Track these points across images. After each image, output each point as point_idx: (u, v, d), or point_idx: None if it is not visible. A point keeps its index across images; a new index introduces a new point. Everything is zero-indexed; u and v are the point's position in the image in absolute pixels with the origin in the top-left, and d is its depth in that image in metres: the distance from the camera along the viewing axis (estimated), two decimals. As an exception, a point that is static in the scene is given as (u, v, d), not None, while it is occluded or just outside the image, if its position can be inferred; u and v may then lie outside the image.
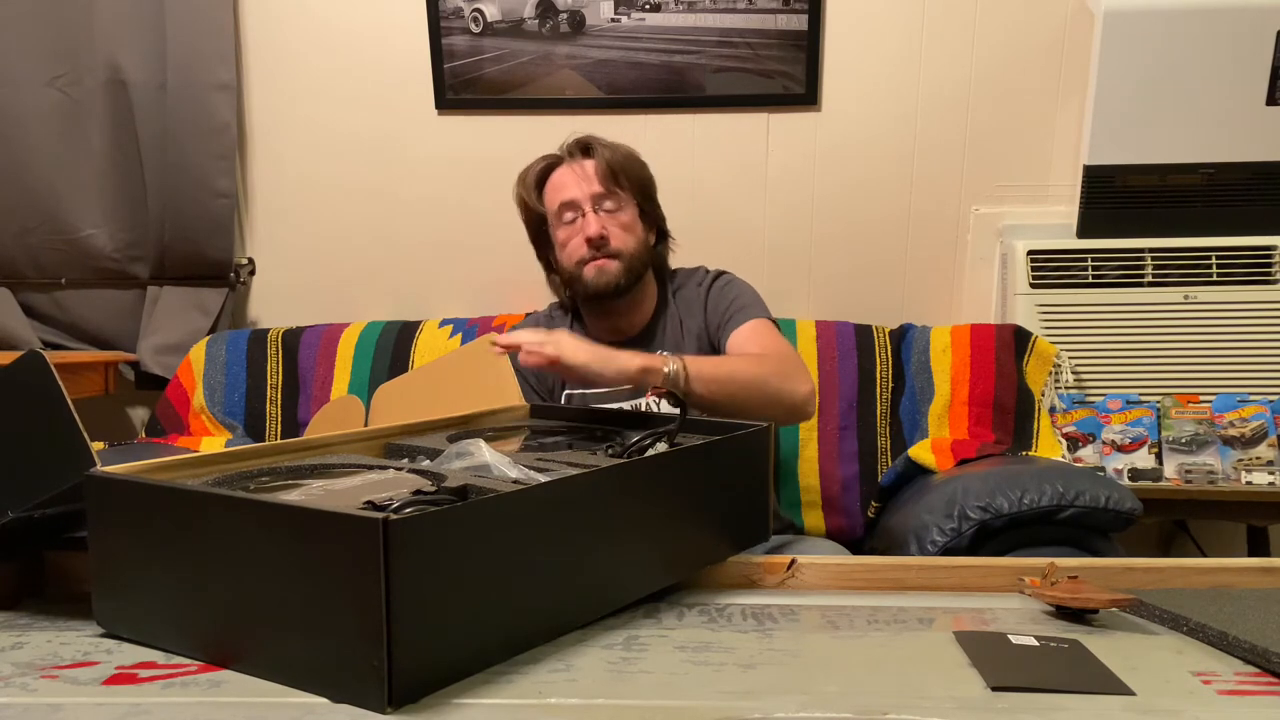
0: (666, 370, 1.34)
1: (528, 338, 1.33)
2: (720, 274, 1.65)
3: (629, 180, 1.57)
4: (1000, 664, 0.69)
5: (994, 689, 0.65)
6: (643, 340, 1.60)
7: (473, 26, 2.21)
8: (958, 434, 1.91)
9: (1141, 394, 2.03)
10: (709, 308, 1.60)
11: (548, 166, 1.61)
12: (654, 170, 2.25)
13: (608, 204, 1.55)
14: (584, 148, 1.58)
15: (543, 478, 0.77)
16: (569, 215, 1.56)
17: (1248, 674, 0.69)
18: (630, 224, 1.57)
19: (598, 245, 1.52)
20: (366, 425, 1.39)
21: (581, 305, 1.65)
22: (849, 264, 2.27)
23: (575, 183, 1.56)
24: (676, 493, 0.85)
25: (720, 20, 2.18)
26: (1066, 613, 0.81)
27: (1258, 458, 1.95)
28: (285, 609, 0.63)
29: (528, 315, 1.80)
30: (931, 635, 0.77)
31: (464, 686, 0.64)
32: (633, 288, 1.57)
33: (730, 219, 2.24)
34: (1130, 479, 1.96)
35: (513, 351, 1.35)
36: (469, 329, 2.09)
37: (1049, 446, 1.90)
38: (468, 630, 0.65)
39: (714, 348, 1.58)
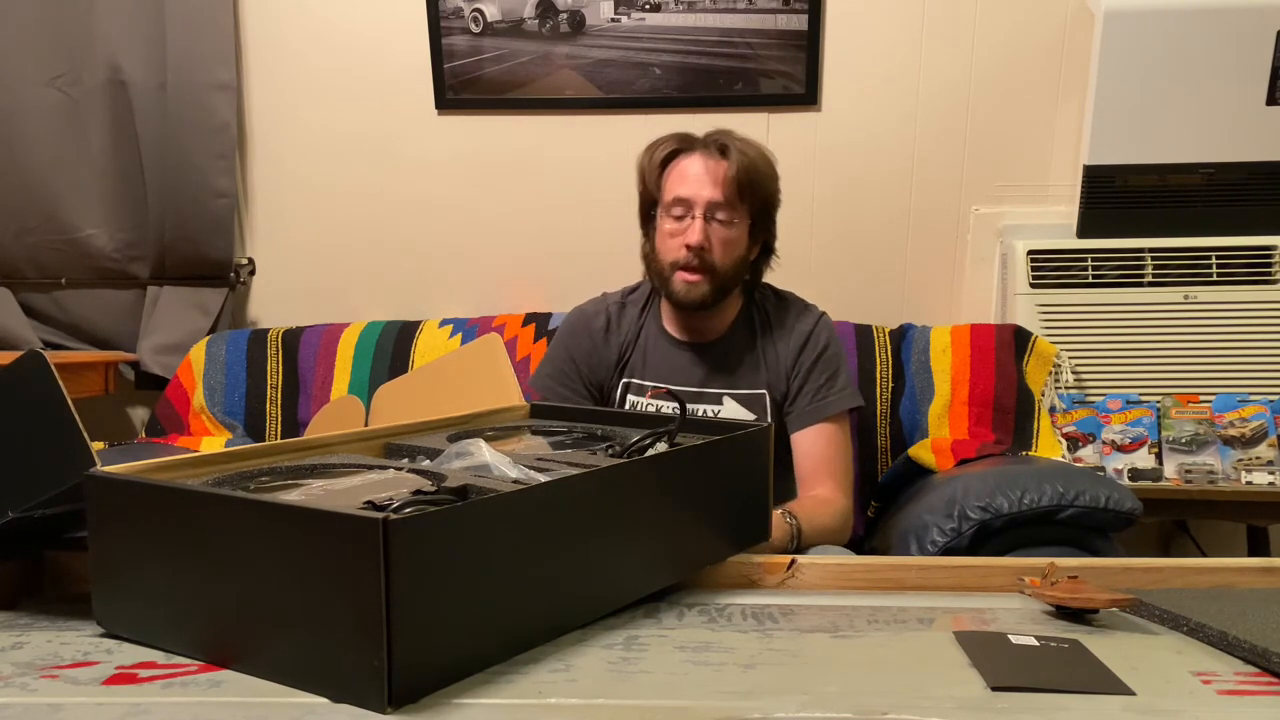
0: (789, 524, 1.36)
1: None
2: (828, 336, 1.58)
3: (753, 195, 1.50)
4: (1000, 664, 0.69)
5: (994, 689, 0.65)
6: (715, 349, 1.57)
7: (473, 26, 2.21)
8: (958, 434, 1.91)
9: (1141, 394, 2.03)
10: (804, 365, 1.55)
11: (679, 150, 1.53)
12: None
13: (720, 214, 1.48)
14: (721, 146, 1.49)
15: (543, 478, 0.77)
16: (678, 211, 1.50)
17: (1248, 674, 0.69)
18: (735, 240, 1.50)
19: (695, 255, 1.48)
20: (366, 425, 1.39)
21: (664, 299, 1.60)
22: (849, 264, 2.27)
23: (698, 181, 1.48)
24: (676, 493, 0.85)
25: (720, 20, 2.18)
26: (1066, 613, 0.81)
27: (1258, 458, 1.95)
28: (285, 609, 0.63)
29: (590, 301, 1.68)
30: (931, 635, 0.77)
31: (464, 686, 0.64)
32: (717, 304, 1.54)
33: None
34: (1130, 479, 1.96)
35: None
36: (469, 329, 2.09)
37: (1049, 446, 1.90)
38: (468, 630, 0.65)
39: (784, 395, 1.55)
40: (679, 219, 1.50)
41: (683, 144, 1.54)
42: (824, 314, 1.62)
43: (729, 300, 1.57)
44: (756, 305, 1.61)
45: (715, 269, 1.49)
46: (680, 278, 1.50)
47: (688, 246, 1.47)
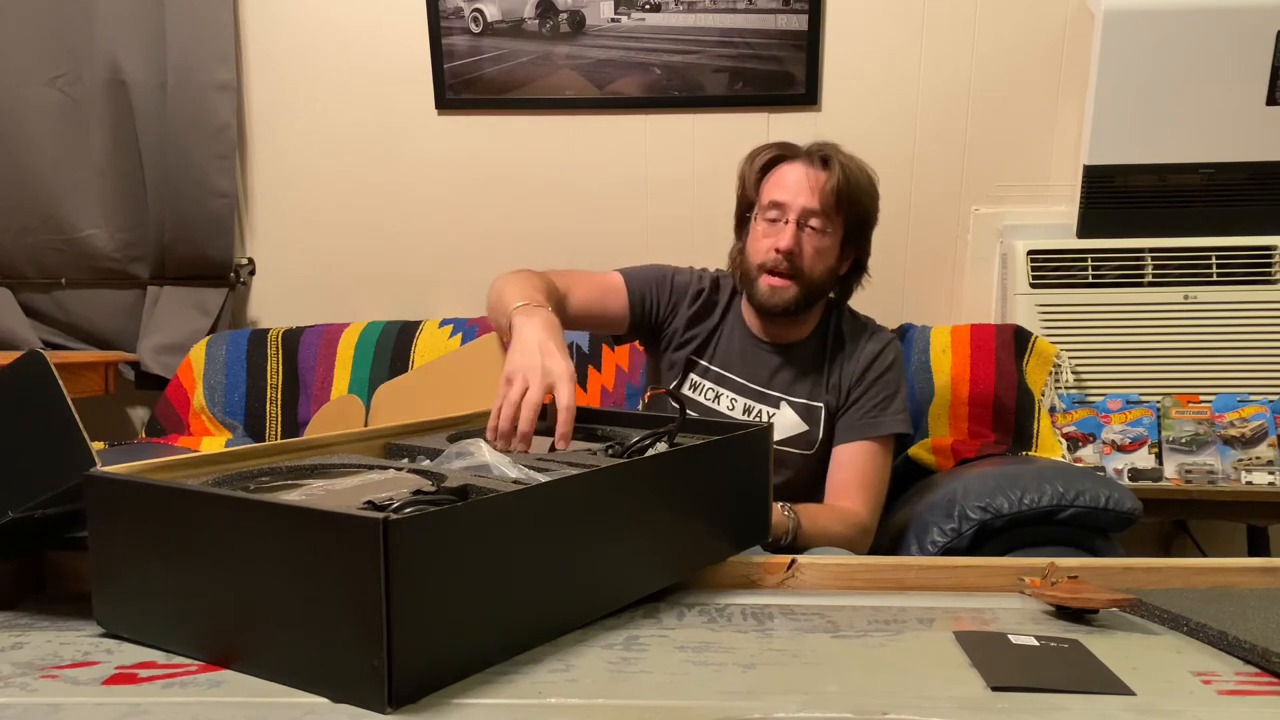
0: (786, 517, 1.36)
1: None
2: (895, 359, 1.58)
3: (849, 208, 1.51)
4: (1000, 664, 0.69)
5: (994, 689, 0.65)
6: (786, 354, 1.57)
7: (473, 26, 2.21)
8: (958, 434, 1.91)
9: (1141, 394, 2.03)
10: (865, 381, 1.55)
11: (780, 156, 1.55)
12: (653, 170, 2.28)
13: (814, 222, 1.49)
14: (824, 158, 1.50)
15: (543, 478, 0.77)
16: (773, 214, 1.50)
17: (1248, 674, 0.69)
18: (826, 250, 1.51)
19: (785, 258, 1.48)
20: (366, 425, 1.39)
21: (746, 298, 1.60)
22: (849, 264, 2.27)
23: (796, 187, 1.49)
24: (676, 493, 0.85)
25: (720, 20, 2.18)
26: (1066, 613, 0.81)
27: (1258, 458, 1.95)
28: (285, 609, 0.63)
29: (694, 268, 1.67)
30: (931, 635, 0.77)
31: (464, 686, 0.64)
32: (802, 312, 1.54)
33: (731, 219, 2.24)
34: (1130, 479, 1.96)
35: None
36: (469, 329, 2.09)
37: (1049, 446, 1.90)
38: (468, 630, 0.65)
39: (835, 405, 1.55)
40: (773, 222, 1.50)
41: (785, 151, 1.55)
42: (895, 338, 1.63)
43: (811, 311, 1.57)
44: (834, 322, 1.61)
45: (803, 274, 1.49)
46: (766, 281, 1.50)
47: (778, 249, 1.48)
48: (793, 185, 1.50)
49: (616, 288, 1.58)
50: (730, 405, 1.56)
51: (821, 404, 1.55)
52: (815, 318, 1.59)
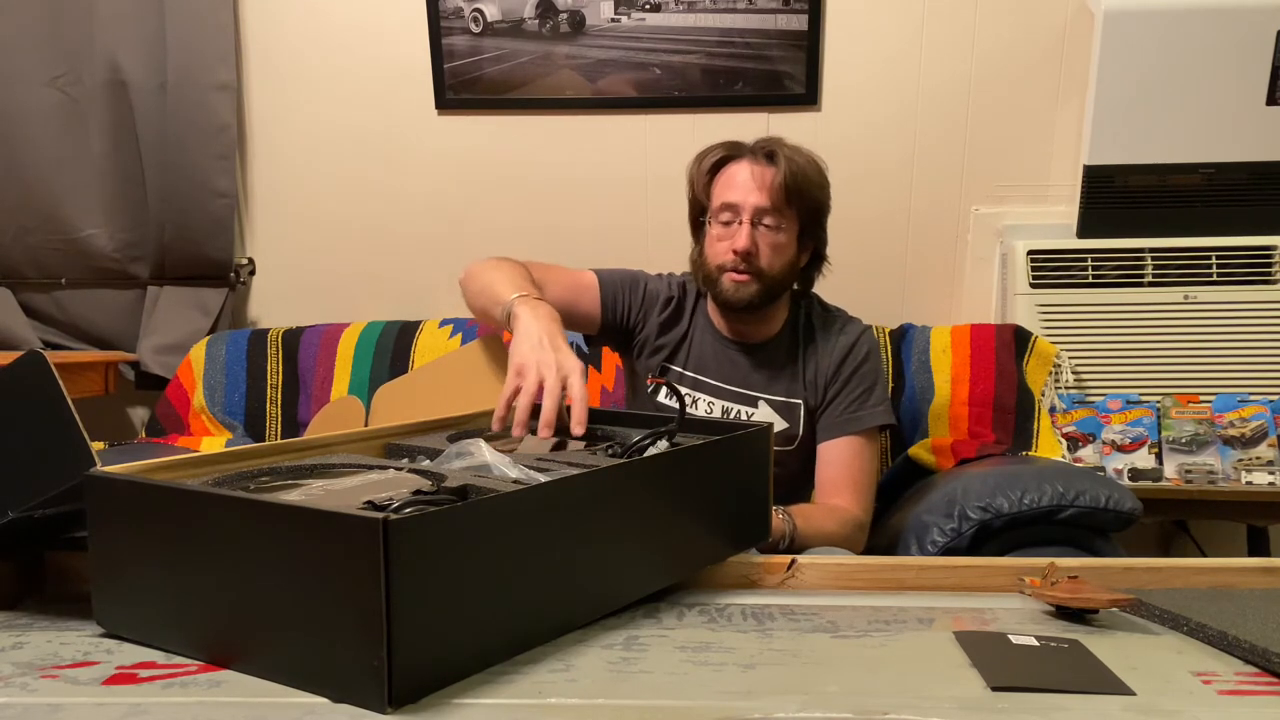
0: (782, 520, 1.35)
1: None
2: (870, 350, 1.57)
3: (801, 201, 1.50)
4: (1000, 664, 0.69)
5: (994, 689, 0.65)
6: (759, 352, 1.57)
7: (473, 26, 2.21)
8: (958, 434, 1.91)
9: (1141, 394, 2.03)
10: (842, 376, 1.55)
11: (727, 157, 1.54)
12: (653, 171, 2.28)
13: (768, 220, 1.48)
14: (769, 153, 1.49)
15: (543, 478, 0.77)
16: (726, 216, 1.50)
17: (1248, 674, 0.69)
18: (783, 245, 1.50)
19: (742, 259, 1.48)
20: (366, 425, 1.39)
21: (711, 300, 1.60)
22: (849, 264, 2.26)
23: (745, 187, 1.49)
24: (676, 493, 0.85)
25: (720, 20, 2.18)
26: (1066, 613, 0.81)
27: (1258, 458, 1.95)
28: (285, 609, 0.63)
29: (661, 274, 1.67)
30: (931, 635, 0.77)
31: (464, 686, 0.64)
32: (766, 307, 1.53)
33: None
34: (1130, 479, 1.96)
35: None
36: (469, 329, 2.09)
37: (1049, 446, 1.90)
38: (468, 630, 0.65)
39: (818, 404, 1.55)
40: (726, 224, 1.50)
41: (731, 151, 1.54)
42: (868, 328, 1.62)
43: (777, 306, 1.56)
44: (804, 315, 1.60)
45: (763, 273, 1.49)
46: (728, 278, 1.50)
47: (735, 251, 1.48)
48: (742, 185, 1.49)
49: (589, 286, 1.58)
50: (708, 408, 1.56)
51: (800, 400, 1.55)
52: (783, 313, 1.59)
